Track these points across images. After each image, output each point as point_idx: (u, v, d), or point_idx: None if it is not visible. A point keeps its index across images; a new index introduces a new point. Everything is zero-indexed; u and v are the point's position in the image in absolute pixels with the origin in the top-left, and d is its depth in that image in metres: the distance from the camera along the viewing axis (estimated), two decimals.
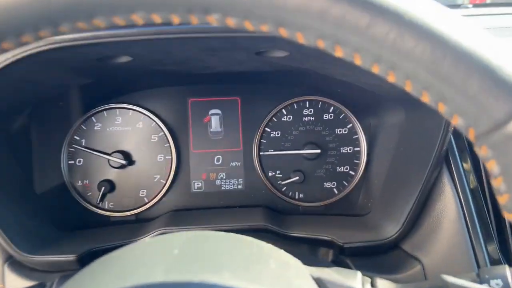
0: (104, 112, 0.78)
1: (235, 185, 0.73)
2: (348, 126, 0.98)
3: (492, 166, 0.27)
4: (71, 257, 0.56)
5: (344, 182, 0.92)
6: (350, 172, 0.91)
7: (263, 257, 0.31)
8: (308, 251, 0.65)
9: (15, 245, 0.55)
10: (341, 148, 0.92)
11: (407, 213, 0.65)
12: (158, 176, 0.68)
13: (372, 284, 0.39)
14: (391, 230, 0.69)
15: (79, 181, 0.64)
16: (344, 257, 0.64)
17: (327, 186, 0.89)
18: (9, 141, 0.64)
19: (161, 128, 0.71)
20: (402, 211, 0.69)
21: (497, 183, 0.27)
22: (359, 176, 0.90)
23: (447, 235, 0.64)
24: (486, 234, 0.65)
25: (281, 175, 0.77)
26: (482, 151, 0.27)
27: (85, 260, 0.58)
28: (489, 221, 0.67)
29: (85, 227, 0.62)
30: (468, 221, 0.64)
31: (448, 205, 0.65)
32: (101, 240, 0.60)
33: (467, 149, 0.72)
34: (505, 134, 0.25)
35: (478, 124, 0.26)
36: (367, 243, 0.64)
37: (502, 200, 0.27)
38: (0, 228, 0.56)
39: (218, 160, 0.71)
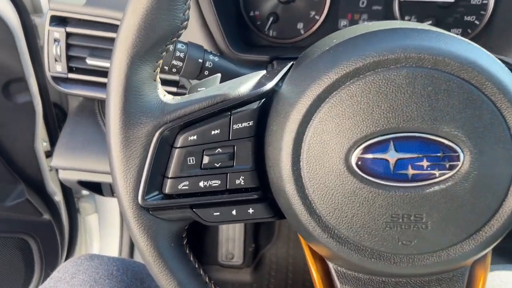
0: None
1: None
2: None
3: None
4: (265, 58, 0.70)
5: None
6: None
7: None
8: None
9: (229, 43, 0.69)
10: None
11: None
12: (314, 13, 0.80)
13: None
14: None
15: (251, 12, 0.78)
16: None
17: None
18: None
19: None
20: None
21: None
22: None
23: None
24: None
25: (416, 20, 0.82)
26: None
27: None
28: None
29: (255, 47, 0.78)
30: None
31: None
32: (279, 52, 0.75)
33: None
34: None
35: None
36: None
37: None
38: (222, 27, 0.67)
39: (363, 3, 0.81)
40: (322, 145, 0.38)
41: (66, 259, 1.24)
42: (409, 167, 0.37)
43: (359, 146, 0.37)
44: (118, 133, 0.41)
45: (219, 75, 0.48)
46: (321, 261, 0.45)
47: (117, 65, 0.40)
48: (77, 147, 0.78)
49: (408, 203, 0.37)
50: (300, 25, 0.80)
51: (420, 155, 0.37)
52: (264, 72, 0.45)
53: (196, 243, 1.44)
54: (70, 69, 0.73)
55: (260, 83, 0.43)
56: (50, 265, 1.13)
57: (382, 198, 0.37)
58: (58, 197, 1.13)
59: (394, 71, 0.36)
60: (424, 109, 0.36)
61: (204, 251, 1.44)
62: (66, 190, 1.16)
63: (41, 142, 1.05)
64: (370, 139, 0.37)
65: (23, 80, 0.96)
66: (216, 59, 0.56)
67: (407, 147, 0.37)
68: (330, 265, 0.43)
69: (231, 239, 1.44)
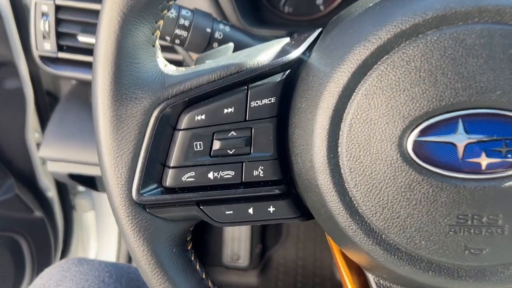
0: None
1: None
2: None
3: None
4: (282, 33, 0.63)
5: None
6: None
7: None
8: None
9: (242, 17, 0.62)
10: None
11: None
12: None
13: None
14: None
15: None
16: None
17: None
18: None
19: None
20: None
21: None
22: None
23: None
24: None
25: None
26: None
27: None
28: None
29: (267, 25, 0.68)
30: None
31: None
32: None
33: None
34: None
35: None
36: None
37: None
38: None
39: None
40: (368, 125, 0.29)
41: (60, 259, 1.16)
42: (483, 154, 0.28)
43: (417, 126, 0.29)
44: (107, 110, 0.33)
45: (231, 44, 0.40)
46: (358, 272, 0.36)
47: (107, 24, 0.31)
48: (67, 136, 0.70)
49: (480, 200, 0.29)
50: (319, 0, 0.71)
51: (498, 138, 0.28)
52: (287, 39, 0.37)
53: (198, 242, 1.36)
54: (60, 48, 0.65)
55: (284, 51, 0.35)
56: (42, 267, 1.05)
57: (446, 194, 0.29)
58: (52, 192, 1.05)
59: (464, 28, 0.28)
60: (504, 77, 0.28)
61: (207, 251, 1.36)
62: (61, 185, 1.09)
63: (33, 133, 0.97)
64: (432, 117, 0.28)
65: (12, 64, 0.88)
66: (228, 29, 0.48)
67: (480, 127, 0.28)
68: (371, 277, 0.35)
69: (236, 239, 1.36)
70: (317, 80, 0.31)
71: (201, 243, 1.38)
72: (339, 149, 0.30)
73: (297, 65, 0.34)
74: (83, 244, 1.26)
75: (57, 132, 0.71)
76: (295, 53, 0.34)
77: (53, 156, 0.70)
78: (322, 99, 0.30)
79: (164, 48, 0.63)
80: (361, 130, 0.30)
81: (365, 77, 0.29)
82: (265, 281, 1.35)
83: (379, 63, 0.29)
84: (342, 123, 0.30)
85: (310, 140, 0.31)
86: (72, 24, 0.65)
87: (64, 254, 1.16)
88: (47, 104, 1.00)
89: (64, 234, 1.14)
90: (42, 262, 1.06)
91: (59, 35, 0.65)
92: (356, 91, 0.30)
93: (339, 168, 0.30)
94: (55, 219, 1.07)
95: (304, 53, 0.34)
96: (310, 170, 0.31)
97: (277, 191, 0.34)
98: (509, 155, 0.28)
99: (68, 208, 1.14)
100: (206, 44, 0.47)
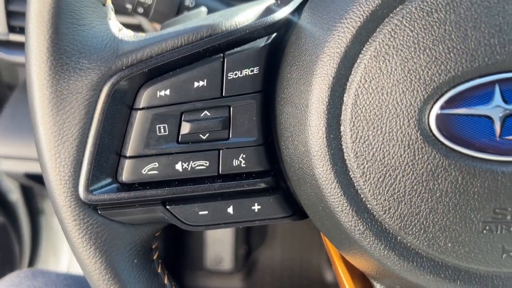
0: None
1: None
2: None
3: None
4: None
5: None
6: None
7: None
8: None
9: None
10: None
11: None
12: None
13: None
14: None
15: None
16: None
17: None
18: None
19: None
20: None
21: None
22: None
23: None
24: None
25: None
26: None
27: None
28: None
29: None
30: None
31: None
32: None
33: None
34: None
35: None
36: None
37: None
38: None
39: None
40: (379, 96, 0.23)
41: (29, 267, 1.08)
42: None
43: (442, 95, 0.22)
44: (44, 85, 0.26)
45: (204, 9, 0.33)
46: (363, 280, 0.30)
47: None
48: (23, 130, 0.62)
49: None
50: None
51: None
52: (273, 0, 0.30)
53: (175, 244, 1.29)
54: (12, 29, 0.57)
55: (269, 11, 0.28)
56: None
57: (479, 182, 0.22)
58: (15, 195, 0.96)
59: None
60: None
61: (186, 254, 1.29)
62: (26, 186, 0.99)
63: None
64: (461, 83, 0.22)
65: None
66: None
67: None
68: (378, 287, 0.28)
69: (218, 239, 1.30)
70: (312, 42, 0.25)
71: (178, 245, 1.31)
72: (342, 128, 0.24)
73: (285, 28, 0.28)
74: (55, 251, 1.17)
75: (10, 125, 0.63)
76: (282, 12, 0.27)
77: (5, 153, 0.62)
78: (319, 64, 0.24)
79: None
80: (369, 102, 0.23)
81: (374, 34, 0.23)
82: (250, 285, 1.29)
83: (391, 15, 0.23)
84: (345, 95, 0.24)
85: (304, 118, 0.25)
86: (24, 1, 0.57)
87: (32, 262, 1.08)
88: (7, 97, 0.91)
89: (32, 241, 1.05)
90: (6, 272, 0.98)
91: (9, 14, 0.57)
92: (362, 52, 0.23)
93: (341, 153, 0.24)
94: (19, 224, 0.99)
95: (293, 13, 0.28)
96: (305, 157, 0.25)
97: (262, 185, 0.28)
98: None
99: (35, 212, 1.05)
100: (175, 13, 0.40)
